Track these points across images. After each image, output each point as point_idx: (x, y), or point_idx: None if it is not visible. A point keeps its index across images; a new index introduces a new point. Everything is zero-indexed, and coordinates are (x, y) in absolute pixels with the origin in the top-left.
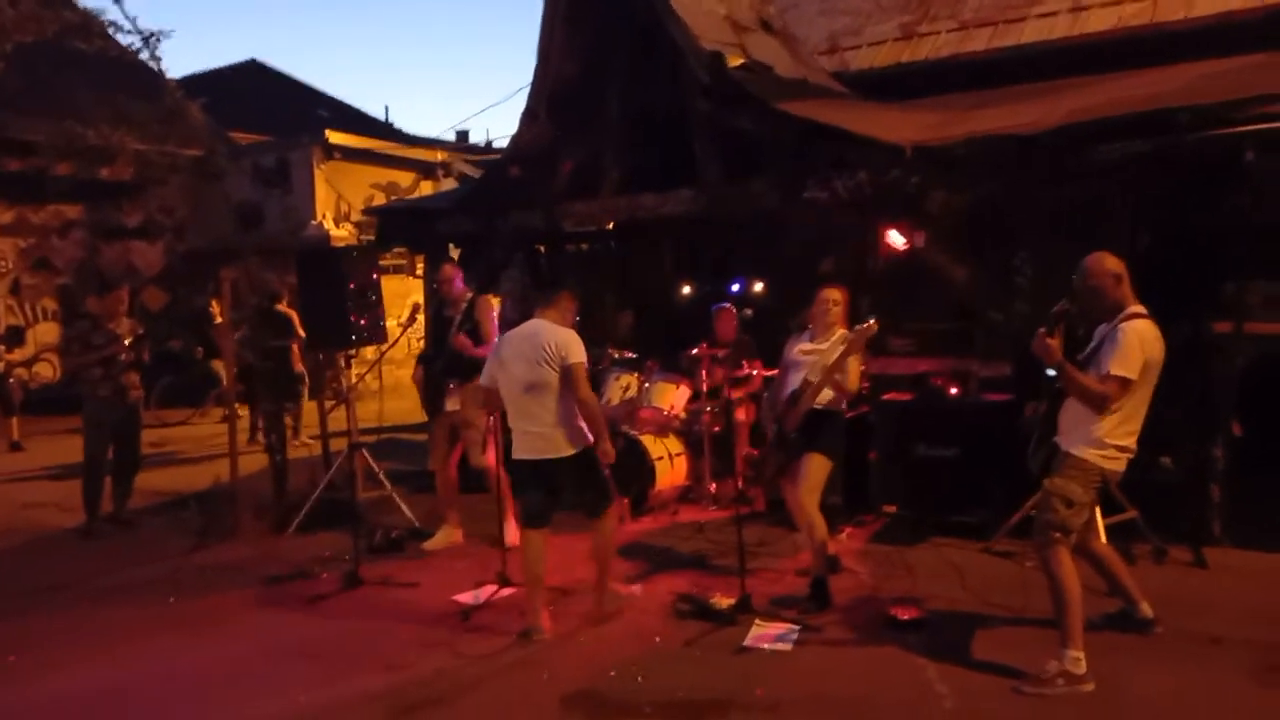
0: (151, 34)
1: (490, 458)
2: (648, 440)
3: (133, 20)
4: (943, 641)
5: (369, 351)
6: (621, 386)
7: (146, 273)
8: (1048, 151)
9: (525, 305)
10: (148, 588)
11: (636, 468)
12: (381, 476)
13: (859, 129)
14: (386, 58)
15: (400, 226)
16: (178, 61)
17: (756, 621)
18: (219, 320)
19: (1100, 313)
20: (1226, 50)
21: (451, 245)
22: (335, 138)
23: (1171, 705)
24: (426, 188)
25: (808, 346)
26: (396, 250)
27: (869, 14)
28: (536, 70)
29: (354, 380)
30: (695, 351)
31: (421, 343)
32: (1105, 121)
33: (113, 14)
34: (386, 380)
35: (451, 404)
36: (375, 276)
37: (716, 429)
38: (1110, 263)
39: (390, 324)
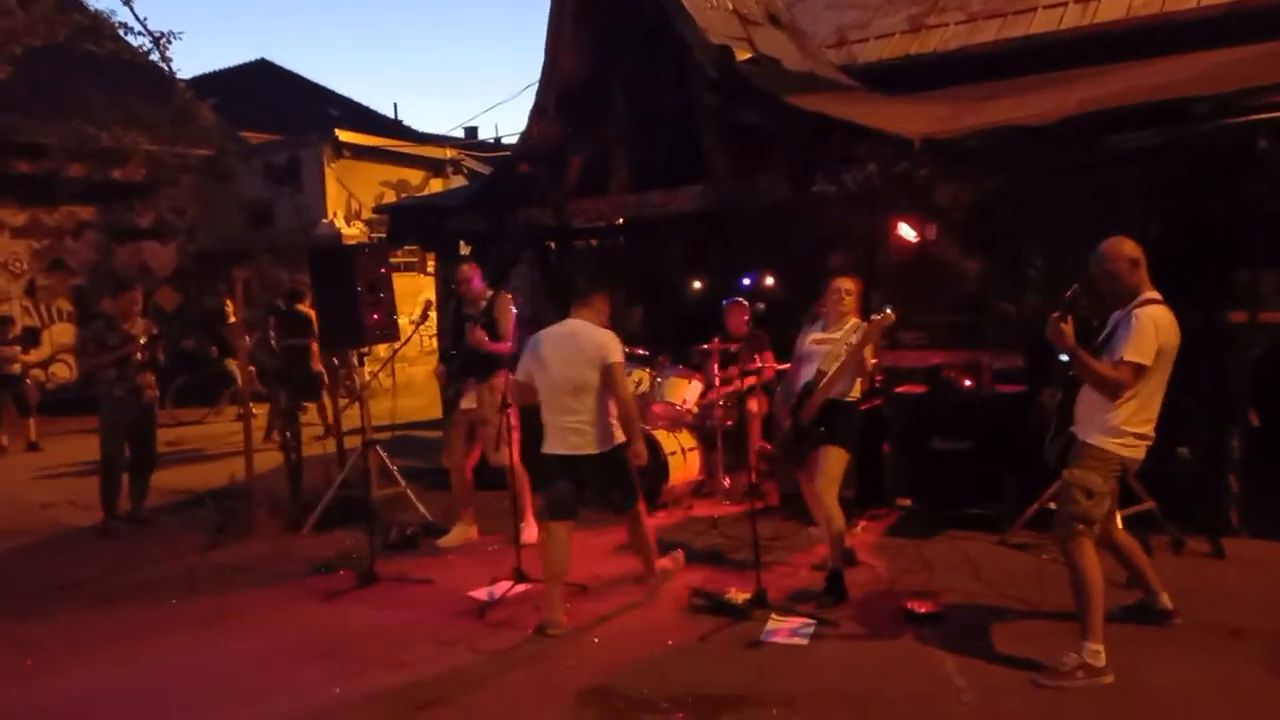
0: (162, 35)
1: (508, 455)
2: (660, 435)
3: (143, 22)
4: (960, 635)
5: (381, 349)
6: (633, 382)
7: (160, 273)
8: (1058, 142)
9: (535, 302)
10: (164, 586)
11: (650, 463)
12: (396, 474)
13: (868, 122)
14: (395, 56)
15: (411, 224)
16: (188, 62)
17: (772, 616)
18: (233, 319)
19: (1116, 298)
20: (1237, 39)
21: (462, 242)
22: (345, 136)
23: (1191, 697)
24: (436, 185)
25: (820, 336)
26: (407, 248)
27: (877, 7)
28: (545, 67)
29: (367, 378)
30: (707, 346)
31: (434, 340)
32: (1116, 111)
33: (123, 16)
34: (399, 378)
35: (468, 402)
36: (386, 273)
37: (729, 423)
38: (1128, 247)
39: (402, 321)
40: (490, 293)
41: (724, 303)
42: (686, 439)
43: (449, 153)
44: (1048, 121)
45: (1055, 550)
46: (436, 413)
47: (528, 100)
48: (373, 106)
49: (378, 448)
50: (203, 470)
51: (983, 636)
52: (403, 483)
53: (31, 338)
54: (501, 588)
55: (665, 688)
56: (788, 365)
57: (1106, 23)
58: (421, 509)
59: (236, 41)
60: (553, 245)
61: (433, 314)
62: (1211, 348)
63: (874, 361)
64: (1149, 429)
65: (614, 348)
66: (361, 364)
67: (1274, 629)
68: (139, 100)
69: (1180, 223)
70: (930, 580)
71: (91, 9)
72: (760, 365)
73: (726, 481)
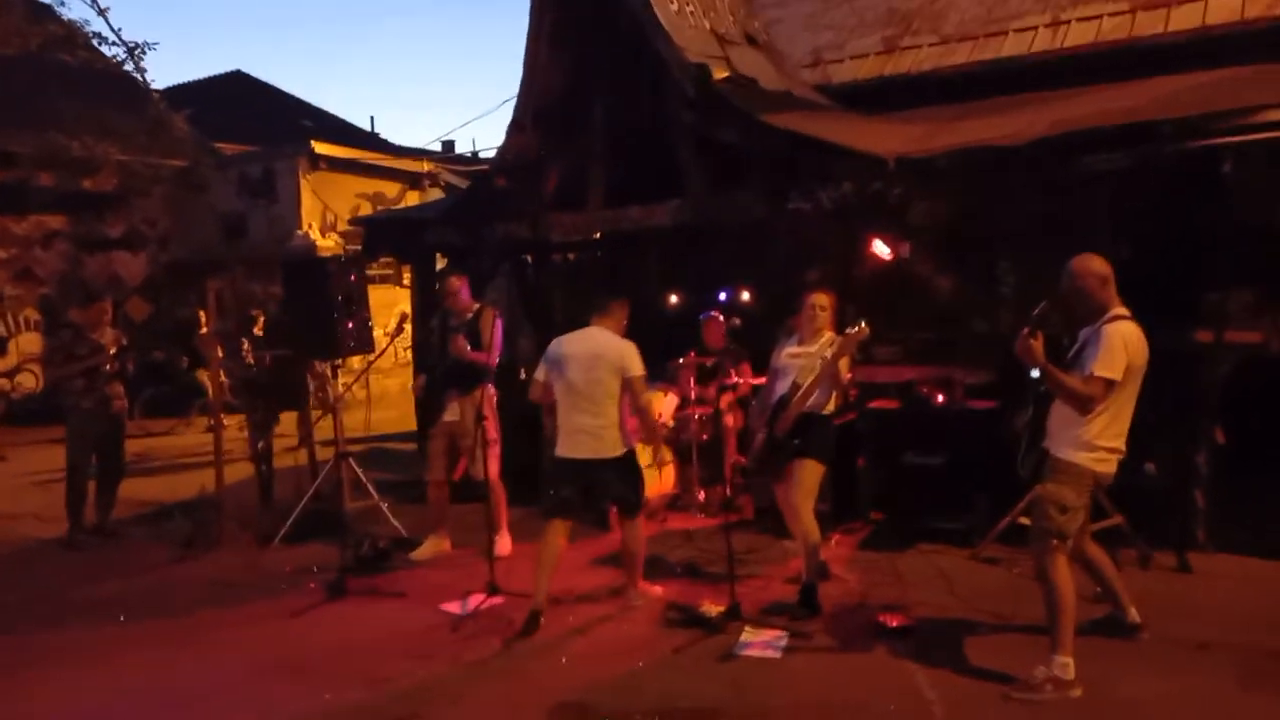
0: (136, 46)
1: (493, 469)
2: (636, 448)
3: (117, 32)
4: (932, 648)
5: (355, 361)
6: None
7: (130, 283)
8: (1029, 163)
9: (511, 316)
10: (130, 600)
11: None
12: (369, 486)
13: (843, 141)
14: (372, 69)
15: (387, 236)
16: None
17: (746, 629)
18: (204, 330)
19: (1085, 314)
20: (1203, 64)
21: (438, 255)
22: (321, 148)
23: (1159, 710)
24: (413, 198)
25: (795, 350)
26: (383, 260)
27: (852, 28)
28: (523, 82)
29: (341, 390)
30: (682, 360)
31: (409, 352)
32: (1086, 133)
33: (97, 26)
34: (373, 390)
35: (451, 414)
36: (361, 285)
37: (705, 437)
38: (1096, 264)
39: (377, 334)
40: (476, 306)
41: (700, 317)
42: (662, 452)
43: (426, 166)
44: (1019, 142)
45: (1026, 564)
46: (410, 425)
47: (505, 114)
48: (349, 119)
49: (350, 460)
50: (171, 482)
51: (954, 649)
52: (375, 495)
53: None
54: (474, 601)
55: (639, 701)
56: (763, 379)
57: (1076, 46)
58: (394, 522)
59: (212, 53)
60: (529, 259)
61: (408, 326)
62: (1179, 366)
63: (849, 376)
64: (1120, 443)
65: (636, 360)
66: (335, 376)
67: (1240, 642)
68: (112, 110)
69: (1149, 242)
70: (903, 594)
71: (65, 19)
72: (737, 380)
73: (702, 495)
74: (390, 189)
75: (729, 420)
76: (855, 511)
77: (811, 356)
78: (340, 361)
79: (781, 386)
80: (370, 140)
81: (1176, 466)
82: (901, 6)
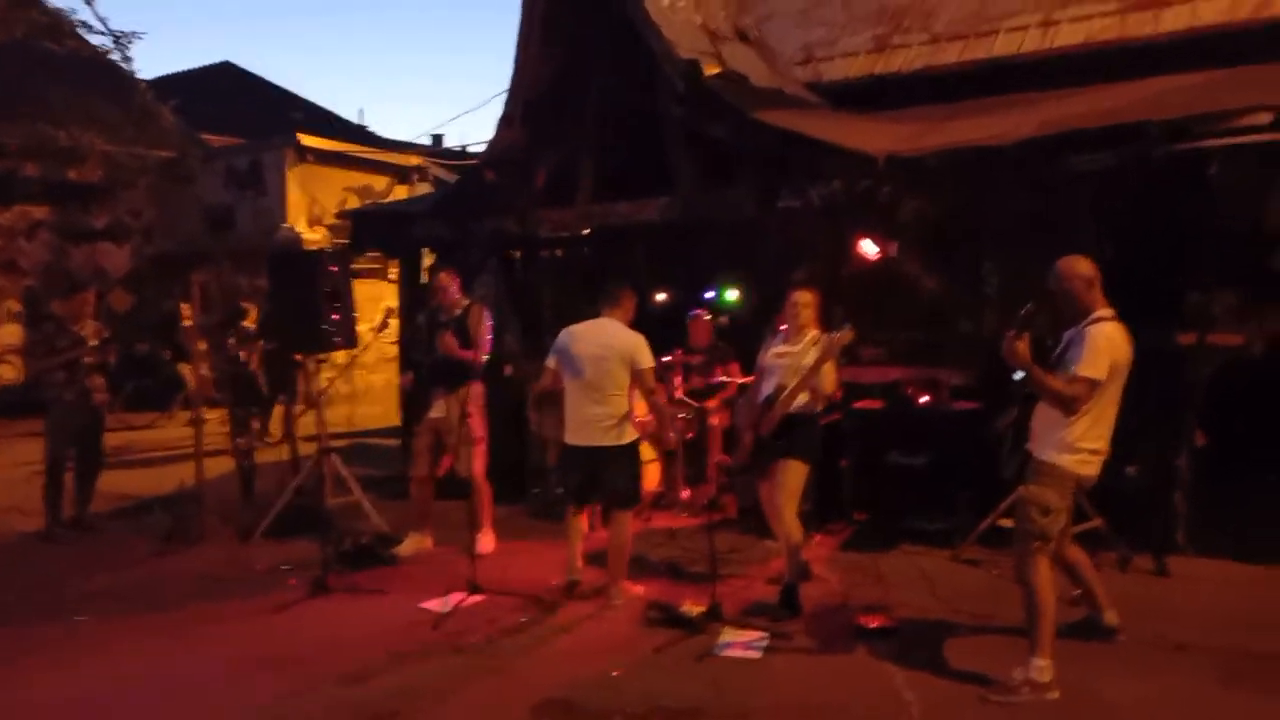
0: (123, 35)
1: (478, 467)
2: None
3: (104, 21)
4: (912, 649)
5: (340, 355)
6: None
7: (114, 275)
8: (1018, 163)
9: (498, 311)
10: (109, 594)
11: None
12: (351, 482)
13: (833, 139)
14: (361, 61)
15: (374, 230)
16: (150, 63)
17: (726, 629)
18: (188, 323)
19: (1070, 315)
20: (1193, 65)
21: (426, 250)
22: (309, 141)
23: (1137, 712)
24: (401, 192)
25: (781, 349)
26: (370, 254)
27: (843, 26)
28: (513, 77)
29: (324, 385)
30: (669, 358)
31: (394, 347)
32: (1073, 134)
33: (84, 15)
34: (357, 385)
35: (437, 410)
36: (347, 279)
37: (689, 435)
38: (1082, 266)
39: (362, 328)
40: (466, 302)
41: (688, 314)
42: (646, 451)
43: (414, 160)
44: (1007, 142)
45: (1007, 566)
46: (394, 420)
47: (495, 109)
48: (338, 112)
49: (333, 455)
50: (152, 475)
51: (934, 651)
52: (358, 491)
53: None
54: (455, 599)
55: (620, 701)
56: (750, 378)
57: (1066, 46)
58: (376, 518)
59: (199, 43)
60: (517, 254)
61: (393, 321)
62: (1161, 368)
63: (835, 377)
64: (1103, 444)
65: (646, 352)
66: (318, 370)
67: (1218, 644)
68: (98, 100)
69: (1135, 243)
70: (884, 594)
71: (51, 7)
72: (724, 379)
73: (685, 494)
74: (378, 182)
75: (714, 419)
76: (838, 512)
77: (796, 355)
78: (324, 356)
79: (768, 386)
80: (358, 133)
81: (1157, 469)
82: (892, 4)
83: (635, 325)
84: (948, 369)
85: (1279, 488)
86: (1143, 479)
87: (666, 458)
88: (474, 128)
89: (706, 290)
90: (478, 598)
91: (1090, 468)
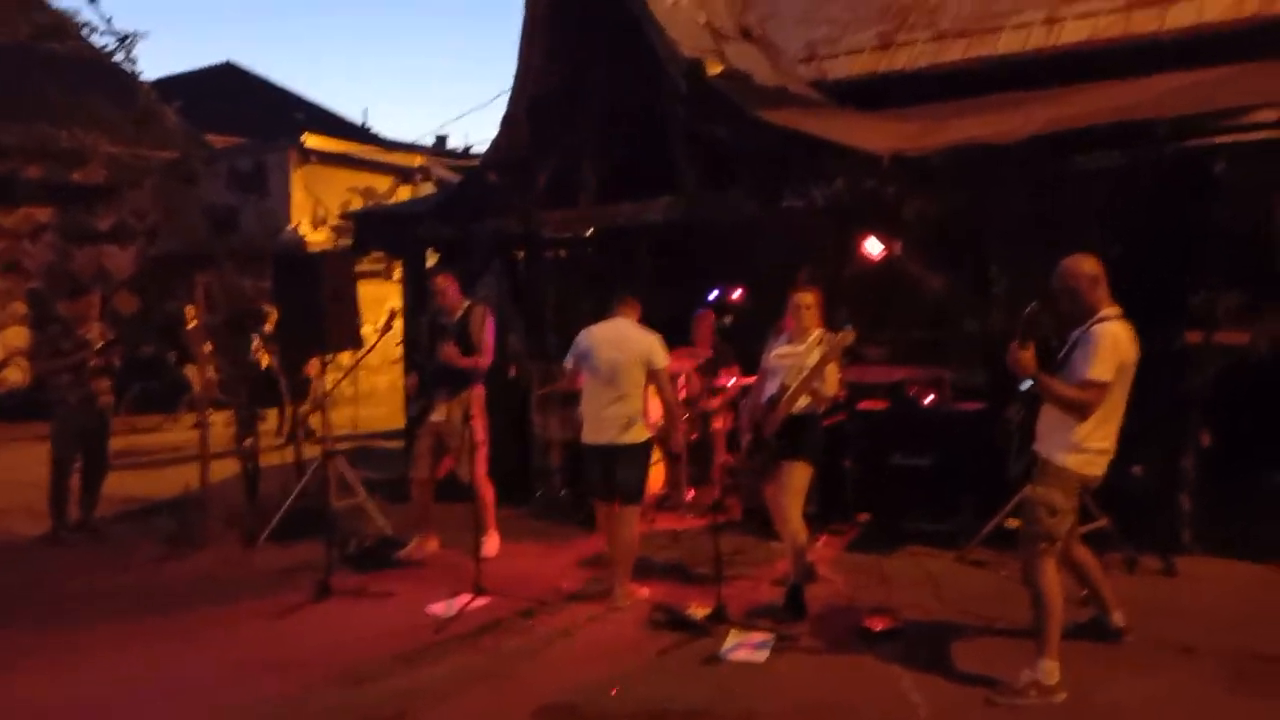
0: (126, 36)
1: (480, 470)
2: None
3: (108, 22)
4: (918, 651)
5: (344, 357)
6: None
7: (118, 276)
8: (1023, 161)
9: (501, 312)
10: (114, 599)
11: None
12: (356, 485)
13: (837, 138)
14: (365, 62)
15: (378, 231)
16: (153, 64)
17: (732, 631)
18: (192, 324)
19: (1076, 315)
20: (1199, 62)
21: (430, 251)
22: (312, 141)
23: (1144, 714)
24: (404, 193)
25: (784, 350)
26: (373, 255)
27: (847, 23)
28: (516, 78)
29: (329, 386)
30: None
31: (399, 348)
32: (1079, 132)
33: (87, 15)
34: (362, 387)
35: (438, 414)
36: (351, 281)
37: (694, 437)
38: (1087, 265)
39: (367, 329)
40: (466, 303)
41: (692, 315)
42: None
43: (418, 160)
44: (1013, 141)
45: (1013, 567)
46: (398, 423)
47: (498, 109)
48: (341, 112)
49: (338, 457)
50: (157, 478)
51: (940, 653)
52: (362, 494)
53: None
54: (461, 601)
55: (625, 704)
56: (753, 379)
57: (1071, 44)
58: (381, 521)
59: (202, 44)
60: (521, 255)
61: (397, 323)
62: (1167, 368)
63: (839, 377)
64: (1109, 444)
65: (661, 352)
66: (323, 371)
67: (1225, 646)
68: (102, 101)
69: (1141, 242)
70: (889, 596)
71: (54, 8)
72: (727, 381)
73: (690, 495)
74: (382, 183)
75: (718, 421)
76: (842, 513)
77: (800, 356)
78: (329, 357)
79: (771, 387)
80: (362, 134)
81: (1163, 469)
82: (897, 2)
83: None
84: (952, 369)
85: None
86: (1149, 479)
87: (670, 459)
88: (477, 128)
89: (710, 290)
90: (483, 600)
91: (1096, 468)
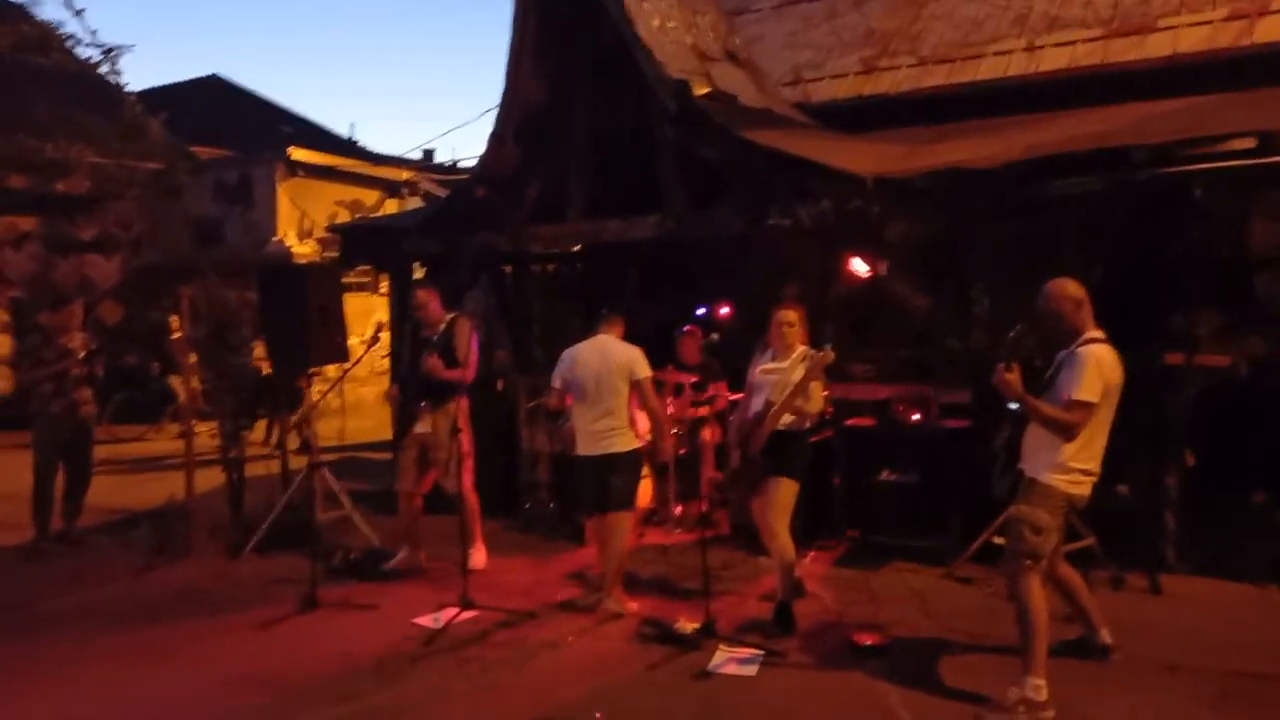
0: (112, 48)
1: (466, 481)
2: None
3: (93, 34)
4: (905, 667)
5: (331, 369)
6: None
7: (102, 286)
8: (1006, 185)
9: (488, 327)
10: (96, 611)
11: None
12: (342, 496)
13: (822, 159)
14: (353, 76)
15: (364, 245)
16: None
17: (720, 646)
18: (176, 335)
19: (1060, 337)
20: (1175, 90)
21: (417, 265)
22: (299, 154)
23: None
24: (391, 206)
25: (769, 366)
26: (360, 268)
27: (831, 48)
28: (504, 95)
29: (315, 398)
30: (659, 375)
31: (386, 360)
32: (1060, 157)
33: (72, 28)
34: (349, 398)
35: (422, 426)
36: (337, 293)
37: (681, 452)
38: (1071, 288)
39: (353, 342)
40: (449, 316)
41: (678, 332)
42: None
43: (405, 174)
44: (995, 165)
45: (1000, 584)
46: (385, 434)
47: (486, 124)
48: (328, 126)
49: (324, 469)
50: (140, 489)
51: (928, 669)
52: (349, 505)
53: None
54: (448, 614)
55: (612, 718)
56: (740, 395)
57: (1051, 71)
58: (367, 532)
59: (188, 56)
60: (508, 270)
61: (384, 335)
62: (1150, 388)
63: (825, 393)
64: (1094, 465)
65: (643, 363)
66: (309, 384)
67: (1210, 665)
68: (86, 113)
69: (1121, 265)
70: (877, 612)
71: (39, 20)
72: (714, 395)
73: (678, 510)
74: (369, 197)
75: (705, 436)
76: (830, 529)
77: (784, 372)
78: (315, 369)
79: (757, 403)
80: (349, 147)
81: (1148, 488)
82: (880, 28)
83: (627, 341)
84: (938, 386)
85: (1265, 506)
86: (1134, 498)
87: (658, 473)
88: (465, 143)
89: (697, 307)
90: (470, 613)
91: (1082, 488)
